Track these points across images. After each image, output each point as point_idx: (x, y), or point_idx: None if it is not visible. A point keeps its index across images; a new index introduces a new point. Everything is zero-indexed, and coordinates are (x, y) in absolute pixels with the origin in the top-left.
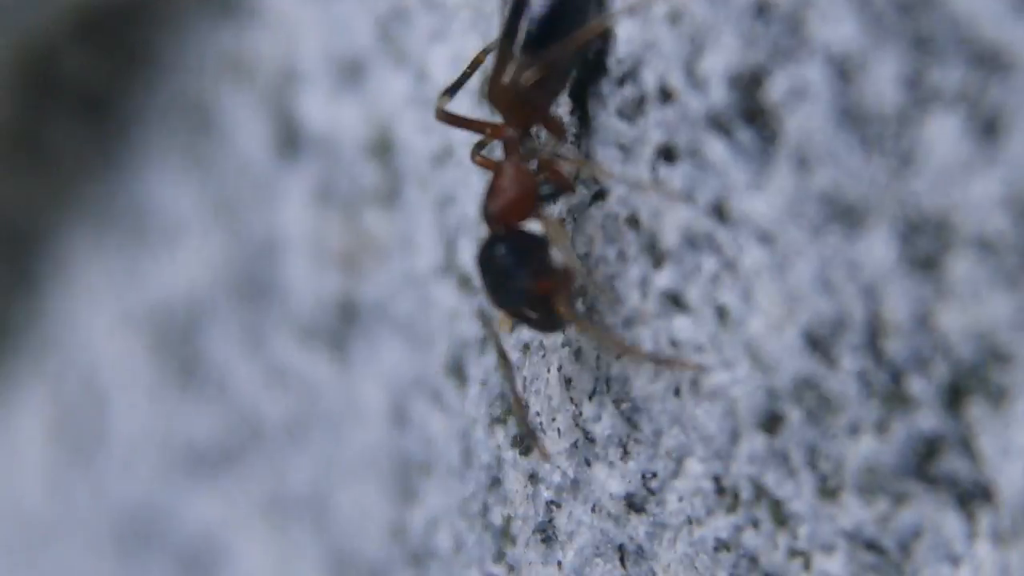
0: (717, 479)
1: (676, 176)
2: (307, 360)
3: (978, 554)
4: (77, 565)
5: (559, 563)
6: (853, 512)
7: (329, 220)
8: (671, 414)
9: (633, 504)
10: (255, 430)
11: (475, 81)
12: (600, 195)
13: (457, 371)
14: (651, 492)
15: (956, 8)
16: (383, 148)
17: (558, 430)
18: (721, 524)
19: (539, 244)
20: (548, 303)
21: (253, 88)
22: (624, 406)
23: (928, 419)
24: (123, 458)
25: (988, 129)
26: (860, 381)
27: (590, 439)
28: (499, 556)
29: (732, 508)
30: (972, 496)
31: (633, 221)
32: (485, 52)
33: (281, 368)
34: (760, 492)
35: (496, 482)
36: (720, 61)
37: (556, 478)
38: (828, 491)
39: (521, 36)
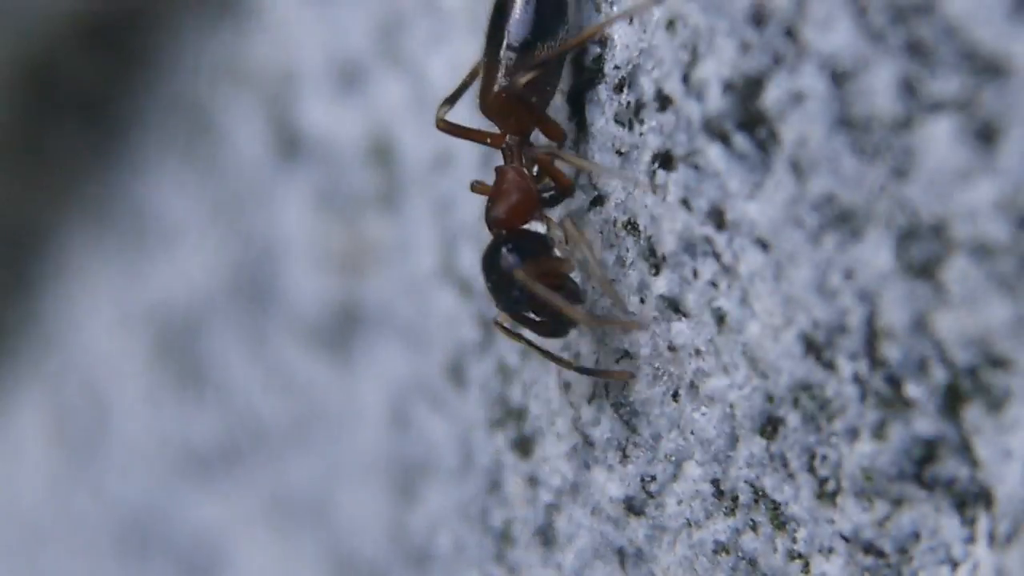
0: (716, 482)
1: (673, 182)
2: (307, 363)
3: (976, 557)
4: (77, 567)
5: (559, 565)
6: (852, 515)
7: (329, 224)
8: (670, 418)
9: (632, 507)
10: (255, 433)
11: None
12: (598, 200)
13: (456, 374)
14: (650, 495)
15: (952, 15)
16: (382, 152)
17: (557, 434)
18: (720, 527)
19: (540, 242)
20: (549, 304)
21: (252, 92)
22: (623, 410)
23: (926, 423)
24: (123, 460)
25: (984, 135)
26: (858, 385)
27: (589, 443)
28: (499, 558)
29: (731, 511)
30: (970, 500)
31: (631, 226)
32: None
33: (281, 371)
34: (759, 495)
35: (496, 485)
36: (717, 68)
37: (555, 481)
38: (826, 494)
39: (504, 45)
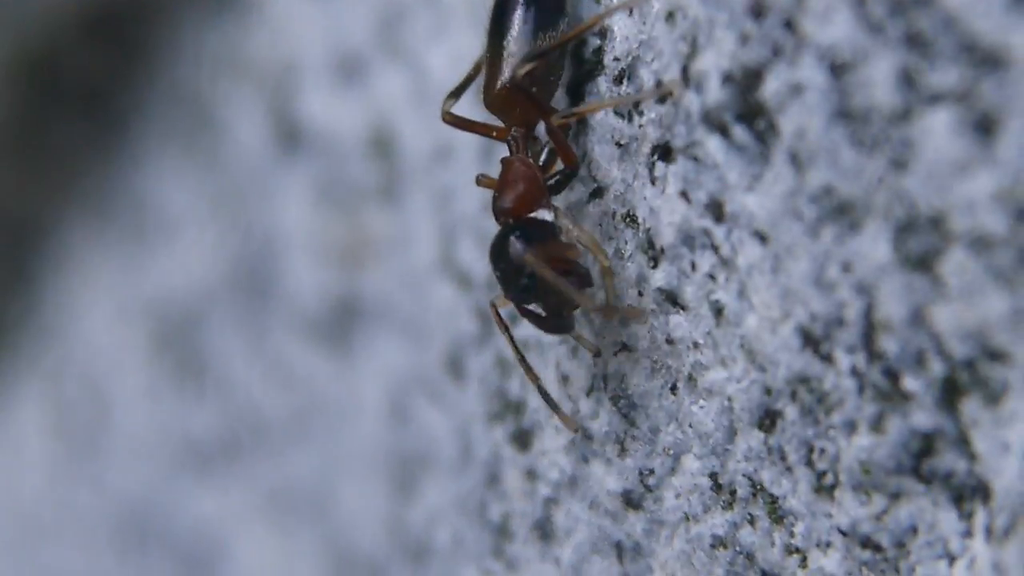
0: (714, 476)
1: (672, 174)
2: (307, 356)
3: (974, 551)
4: (77, 560)
5: (557, 559)
6: (849, 509)
7: (329, 217)
8: (668, 411)
9: (630, 501)
10: (255, 426)
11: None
12: (597, 192)
13: (455, 368)
14: (648, 489)
15: (951, 7)
16: (382, 145)
17: (556, 427)
18: (718, 521)
19: (548, 228)
20: (557, 292)
21: (253, 85)
22: (621, 403)
23: (924, 416)
24: (123, 453)
25: (983, 127)
26: (856, 378)
27: (587, 436)
28: (497, 552)
29: (729, 505)
30: (968, 493)
31: (630, 218)
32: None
33: (281, 364)
34: (757, 489)
35: (494, 478)
36: (716, 60)
37: (554, 475)
38: (824, 488)
39: (505, 39)
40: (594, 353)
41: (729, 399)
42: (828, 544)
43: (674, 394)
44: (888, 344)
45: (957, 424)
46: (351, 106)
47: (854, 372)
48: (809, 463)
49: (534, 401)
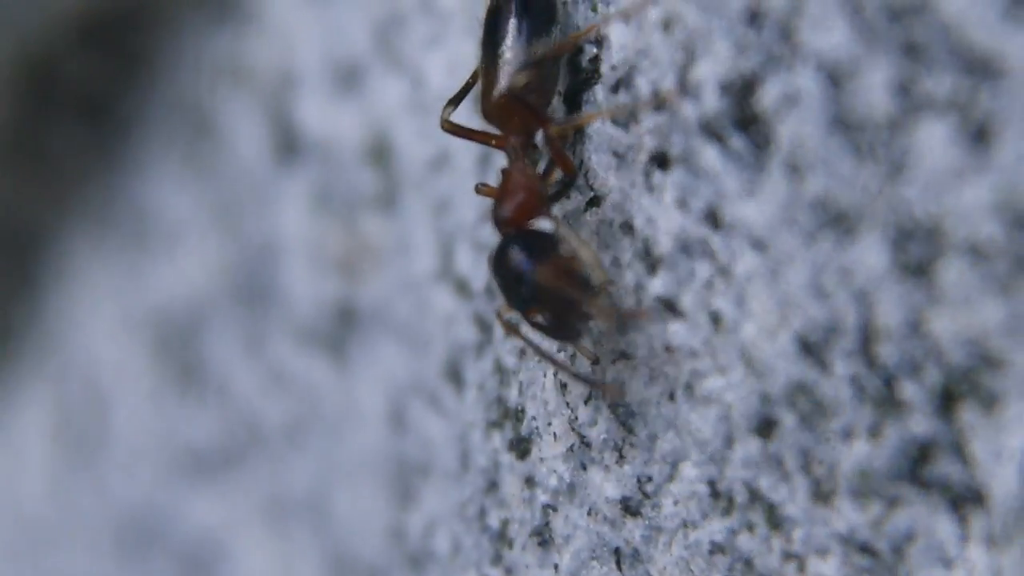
0: (712, 483)
1: (669, 183)
2: (306, 363)
3: (971, 557)
4: (79, 567)
5: (555, 566)
6: (847, 516)
7: (327, 224)
8: (666, 418)
9: (629, 508)
10: (255, 433)
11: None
12: (595, 201)
13: (454, 375)
14: (646, 496)
15: (947, 16)
16: (380, 153)
17: (554, 434)
18: (716, 527)
19: (549, 239)
20: (561, 299)
21: (252, 93)
22: (619, 410)
23: (921, 424)
24: (124, 460)
25: (979, 136)
26: (853, 386)
27: (586, 443)
28: (496, 559)
29: (727, 512)
30: (965, 500)
31: (627, 227)
32: None
33: (280, 371)
34: (754, 496)
35: (493, 486)
36: (713, 68)
37: (552, 482)
38: (822, 495)
39: (499, 49)
40: (592, 361)
41: (727, 406)
42: (826, 550)
43: (672, 402)
44: (886, 351)
45: (954, 431)
46: (349, 114)
47: (852, 379)
48: (807, 470)
49: (533, 408)
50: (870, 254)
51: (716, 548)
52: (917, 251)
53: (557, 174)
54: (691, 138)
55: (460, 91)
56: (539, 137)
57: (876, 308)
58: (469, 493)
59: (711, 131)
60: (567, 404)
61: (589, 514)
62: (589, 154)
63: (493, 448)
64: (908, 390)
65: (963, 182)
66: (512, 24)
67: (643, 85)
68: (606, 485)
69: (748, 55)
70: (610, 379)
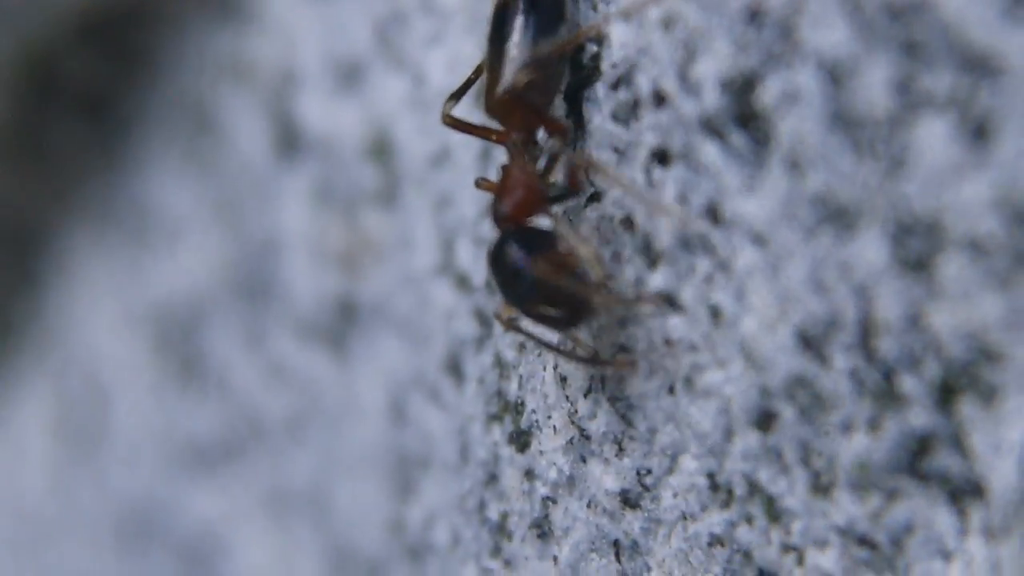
0: (711, 476)
1: (670, 179)
2: (306, 358)
3: (970, 549)
4: (79, 560)
5: (555, 558)
6: (846, 508)
7: (328, 220)
8: (665, 411)
9: (628, 500)
10: (255, 427)
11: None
12: (595, 196)
13: (454, 369)
14: (646, 488)
15: (946, 13)
16: (381, 149)
17: (554, 427)
18: (715, 520)
19: (548, 236)
20: (560, 293)
21: (253, 90)
22: (619, 403)
23: (920, 417)
24: (125, 454)
25: (978, 132)
26: (852, 379)
27: (585, 436)
28: (496, 551)
29: (726, 504)
30: (964, 492)
31: (628, 222)
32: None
33: (281, 365)
34: (754, 488)
35: (493, 478)
36: (713, 66)
37: (552, 474)
38: (821, 487)
39: (505, 45)
40: (591, 355)
41: (727, 400)
42: (825, 543)
43: (672, 395)
44: (885, 345)
45: (953, 424)
46: (350, 111)
47: (851, 373)
48: (806, 463)
49: (532, 402)
50: (870, 249)
51: (715, 540)
52: (917, 246)
53: (557, 173)
54: (691, 135)
55: (462, 86)
56: (541, 133)
57: (876, 302)
58: (469, 486)
59: (711, 128)
60: (567, 397)
61: (588, 507)
62: (590, 150)
63: (493, 441)
64: (907, 383)
65: (962, 178)
66: (519, 21)
67: (643, 83)
68: (605, 478)
69: (748, 53)
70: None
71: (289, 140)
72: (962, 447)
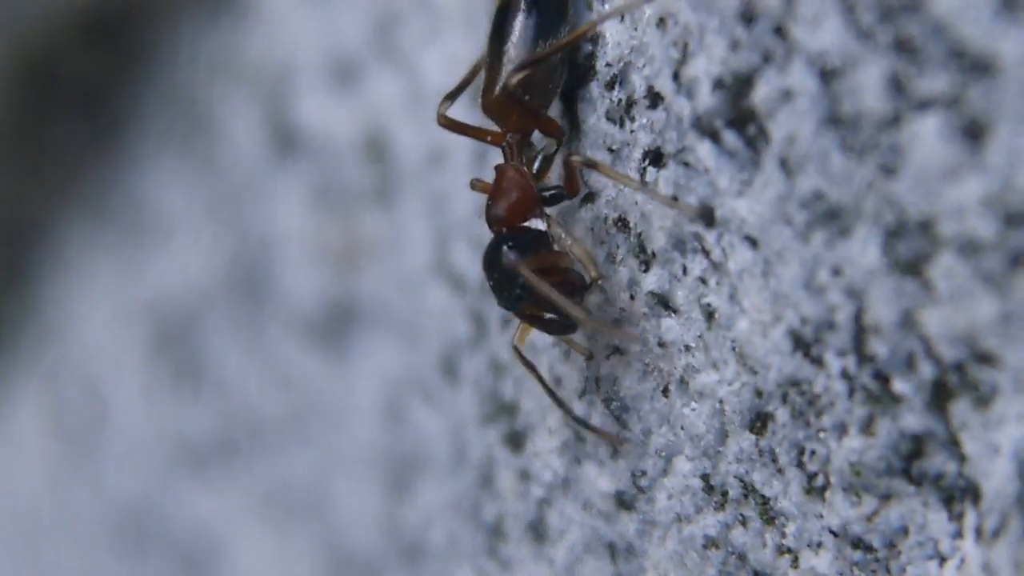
0: (706, 477)
1: (663, 179)
2: (302, 358)
3: (964, 551)
4: (75, 560)
5: (550, 560)
6: (840, 510)
7: (324, 219)
8: (660, 413)
9: (623, 502)
10: (251, 426)
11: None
12: (589, 197)
13: (449, 370)
14: (641, 490)
15: (940, 13)
16: (377, 148)
17: (548, 429)
18: (710, 522)
19: (541, 238)
20: (550, 301)
21: (249, 88)
22: (613, 405)
23: (913, 419)
24: (120, 453)
25: (971, 133)
26: (846, 381)
27: (580, 438)
28: (491, 552)
29: (721, 506)
30: (958, 495)
31: (622, 223)
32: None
33: (276, 366)
34: (748, 490)
35: (488, 480)
36: (707, 66)
37: (547, 476)
38: (815, 489)
39: (505, 46)
40: (586, 356)
41: (720, 402)
42: (819, 544)
43: (666, 397)
44: (878, 347)
45: (947, 426)
46: (346, 109)
47: (844, 375)
48: (800, 465)
49: (527, 403)
50: (863, 250)
51: (710, 542)
52: (910, 247)
53: (552, 176)
54: (685, 135)
55: (457, 86)
56: (536, 134)
57: (869, 304)
58: (464, 487)
59: (705, 128)
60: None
61: (584, 508)
62: (584, 150)
63: (488, 442)
64: (901, 385)
65: (955, 179)
66: (521, 20)
67: (638, 82)
68: (600, 479)
69: (742, 52)
70: (611, 430)
71: (285, 138)
72: (956, 449)
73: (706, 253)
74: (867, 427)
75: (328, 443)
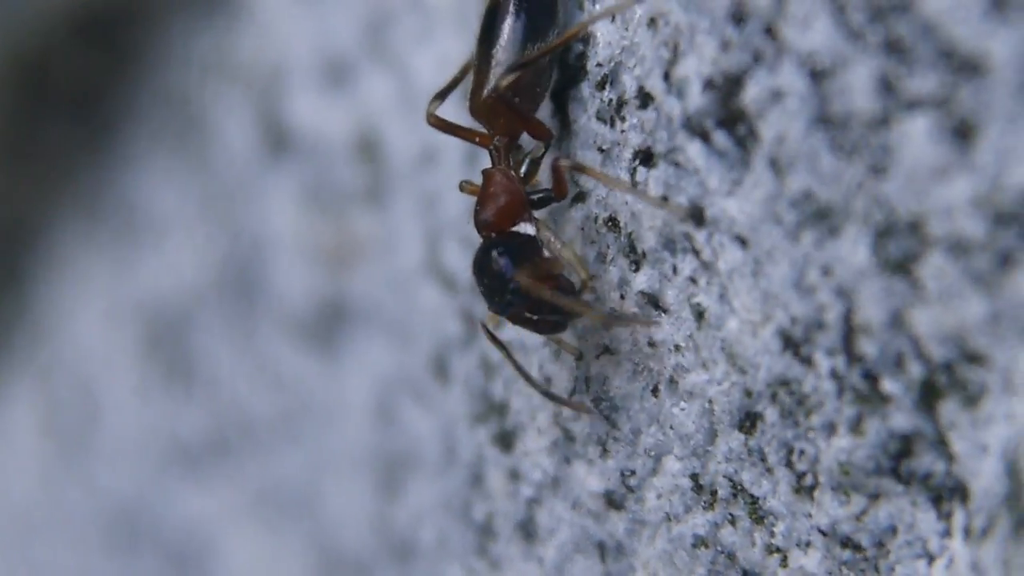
0: (695, 477)
1: (654, 179)
2: (294, 357)
3: (952, 551)
4: (68, 559)
5: (540, 559)
6: (829, 510)
7: (315, 219)
8: (649, 413)
9: (612, 501)
10: (243, 426)
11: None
12: (580, 197)
13: (440, 370)
14: (630, 489)
15: (929, 14)
16: (369, 148)
17: (538, 428)
18: (699, 521)
19: (531, 243)
20: (544, 300)
21: (241, 88)
22: (603, 405)
23: (902, 418)
24: (113, 452)
25: (961, 133)
26: (835, 381)
27: (570, 437)
28: (481, 552)
29: (710, 505)
30: (946, 494)
31: (612, 223)
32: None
33: (268, 365)
34: (737, 490)
35: (478, 479)
36: (698, 66)
37: (537, 475)
38: (804, 489)
39: (494, 48)
40: (576, 356)
41: (710, 401)
42: (808, 544)
43: (655, 396)
44: (867, 347)
45: (935, 426)
46: (338, 110)
47: (834, 375)
48: (789, 464)
49: (517, 403)
50: (852, 250)
51: (699, 541)
52: (899, 247)
53: (541, 179)
54: (675, 135)
55: (447, 85)
56: (524, 136)
57: (858, 304)
58: (454, 486)
59: (695, 128)
60: None
61: (573, 507)
62: (575, 150)
63: (478, 442)
64: (890, 385)
65: (945, 179)
66: (510, 22)
67: (628, 82)
68: (590, 479)
69: (732, 53)
70: (576, 399)
71: (277, 138)
72: (945, 449)
73: (696, 253)
74: (856, 426)
75: (319, 442)
